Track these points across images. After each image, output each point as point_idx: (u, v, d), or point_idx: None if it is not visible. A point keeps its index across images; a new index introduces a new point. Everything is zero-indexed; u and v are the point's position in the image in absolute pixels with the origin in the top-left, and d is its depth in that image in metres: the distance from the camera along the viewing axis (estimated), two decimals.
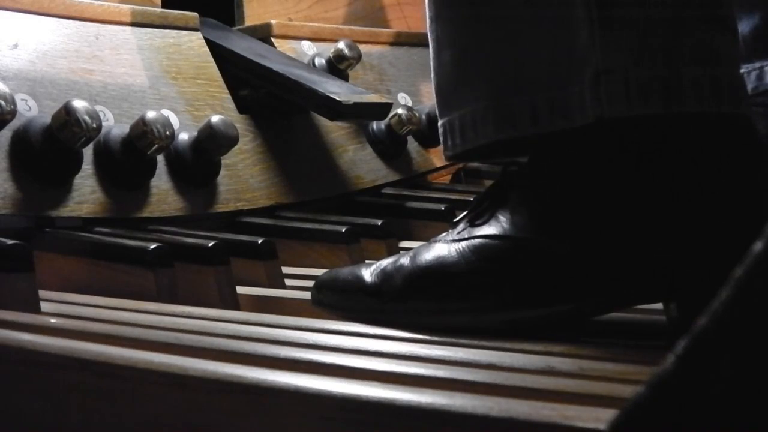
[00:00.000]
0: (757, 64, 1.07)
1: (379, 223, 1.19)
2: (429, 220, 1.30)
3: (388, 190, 1.42)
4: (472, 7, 0.72)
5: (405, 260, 0.72)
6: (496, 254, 0.68)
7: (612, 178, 0.65)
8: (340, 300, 0.76)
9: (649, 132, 0.65)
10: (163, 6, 1.41)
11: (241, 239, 1.04)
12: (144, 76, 1.19)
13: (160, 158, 1.12)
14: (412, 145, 1.50)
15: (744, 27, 1.06)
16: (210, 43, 1.31)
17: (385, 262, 0.74)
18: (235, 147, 1.17)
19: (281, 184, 1.27)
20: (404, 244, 1.22)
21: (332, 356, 0.59)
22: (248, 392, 0.52)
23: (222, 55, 1.31)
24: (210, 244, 0.94)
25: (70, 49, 1.14)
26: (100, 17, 1.20)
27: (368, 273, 0.74)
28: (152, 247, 0.91)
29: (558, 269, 0.66)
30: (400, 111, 1.42)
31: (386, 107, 1.31)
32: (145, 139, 1.05)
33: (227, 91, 1.28)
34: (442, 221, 1.24)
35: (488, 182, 1.50)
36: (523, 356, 0.60)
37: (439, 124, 0.75)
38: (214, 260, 0.93)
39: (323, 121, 1.36)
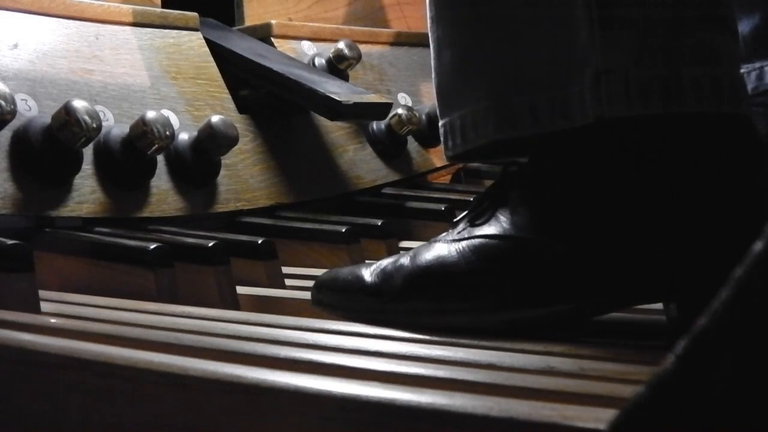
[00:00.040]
0: (757, 64, 1.07)
1: (379, 223, 1.19)
2: (429, 220, 1.30)
3: (388, 190, 1.42)
4: (473, 7, 0.72)
5: (405, 260, 0.72)
6: (496, 254, 0.68)
7: (612, 178, 0.65)
8: (340, 300, 0.76)
9: (649, 132, 0.65)
10: (163, 6, 1.41)
11: (241, 239, 1.04)
12: (144, 76, 1.20)
13: (160, 158, 1.12)
14: (412, 145, 1.50)
15: (744, 27, 1.06)
16: (210, 43, 1.31)
17: (385, 262, 0.74)
18: (235, 147, 1.17)
19: (281, 184, 1.27)
20: (404, 244, 1.21)
21: (332, 356, 0.59)
22: (248, 392, 0.52)
23: (222, 55, 1.31)
24: (210, 244, 0.94)
25: (70, 49, 1.14)
26: (100, 17, 1.20)
27: (368, 273, 0.74)
28: (152, 247, 0.91)
29: (558, 269, 0.66)
30: (400, 111, 1.42)
31: (386, 107, 1.31)
32: (145, 139, 1.05)
33: (227, 91, 1.28)
34: (442, 221, 1.24)
35: (488, 182, 1.50)
36: (523, 356, 0.60)
37: (440, 124, 0.75)
38: (214, 260, 0.93)
39: (323, 121, 1.36)
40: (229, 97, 1.28)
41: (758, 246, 0.34)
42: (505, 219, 0.69)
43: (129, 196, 1.08)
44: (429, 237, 0.77)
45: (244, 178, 1.22)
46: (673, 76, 0.64)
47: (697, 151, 0.64)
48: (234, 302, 0.92)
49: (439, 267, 0.70)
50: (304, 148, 1.33)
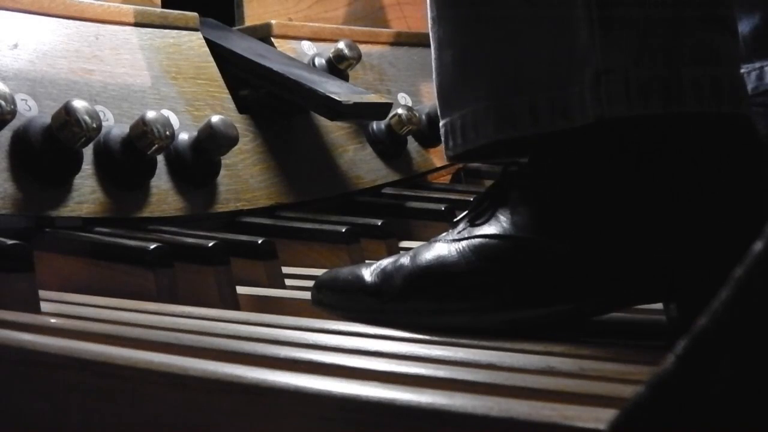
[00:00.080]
0: (757, 64, 1.07)
1: (379, 223, 1.19)
2: (429, 220, 1.30)
3: (388, 190, 1.42)
4: (473, 7, 0.72)
5: (405, 260, 0.72)
6: (496, 254, 0.68)
7: (612, 178, 0.65)
8: (340, 300, 0.76)
9: (649, 132, 0.65)
10: (163, 6, 1.41)
11: (241, 239, 1.04)
12: (144, 76, 1.20)
13: (160, 158, 1.12)
14: (412, 145, 1.50)
15: (744, 27, 1.06)
16: (210, 43, 1.31)
17: (385, 262, 0.74)
18: (235, 147, 1.17)
19: (281, 184, 1.27)
20: (404, 244, 1.22)
21: (332, 356, 0.59)
22: (248, 392, 0.52)
23: (222, 55, 1.31)
24: (210, 244, 0.94)
25: (70, 49, 1.14)
26: (100, 17, 1.20)
27: (368, 273, 0.74)
28: (152, 247, 0.91)
29: (558, 269, 0.66)
30: (400, 111, 1.42)
31: (386, 107, 1.31)
32: (145, 139, 1.05)
33: (227, 91, 1.28)
34: (442, 221, 1.24)
35: (488, 182, 1.50)
36: (523, 356, 0.60)
37: (441, 124, 0.75)
38: (214, 260, 0.93)
39: (323, 121, 1.36)
40: (229, 97, 1.28)
41: (758, 246, 0.34)
42: (505, 219, 0.69)
43: (129, 196, 1.08)
44: (429, 237, 0.77)
45: (244, 178, 1.22)
46: (673, 76, 0.64)
47: (697, 151, 0.64)
48: (234, 302, 0.92)
49: (439, 267, 0.70)
50: (304, 148, 1.33)
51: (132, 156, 1.07)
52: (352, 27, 1.64)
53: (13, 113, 0.98)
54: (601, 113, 0.65)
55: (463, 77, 0.73)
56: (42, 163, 1.00)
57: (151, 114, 1.06)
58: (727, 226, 0.63)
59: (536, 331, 0.66)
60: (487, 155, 0.75)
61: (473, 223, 0.71)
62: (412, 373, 0.55)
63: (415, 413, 0.47)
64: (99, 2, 1.22)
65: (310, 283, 0.80)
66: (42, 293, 0.82)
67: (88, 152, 1.05)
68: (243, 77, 1.30)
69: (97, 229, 1.03)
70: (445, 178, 1.57)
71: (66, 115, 0.98)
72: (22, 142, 0.99)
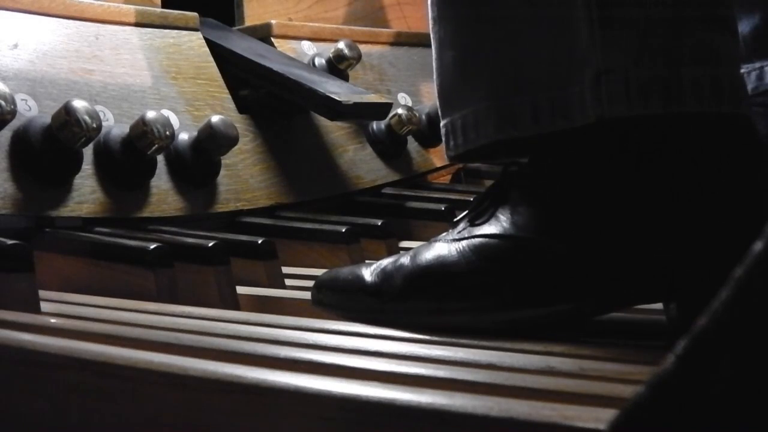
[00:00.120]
0: (757, 64, 1.06)
1: (379, 223, 1.19)
2: (429, 220, 1.30)
3: (388, 190, 1.42)
4: (473, 7, 0.72)
5: (405, 260, 0.72)
6: (496, 254, 0.68)
7: (612, 178, 0.65)
8: (341, 300, 0.76)
9: (650, 132, 0.65)
10: (163, 6, 1.41)
11: (241, 239, 1.04)
12: (144, 76, 1.20)
13: (160, 158, 1.12)
14: (412, 145, 1.50)
15: (744, 27, 1.06)
16: (210, 43, 1.31)
17: (386, 262, 0.74)
18: (235, 147, 1.17)
19: (281, 184, 1.27)
20: (404, 244, 1.22)
21: (332, 356, 0.59)
22: (248, 392, 0.52)
23: (222, 55, 1.31)
24: (210, 244, 0.94)
25: (70, 49, 1.14)
26: (100, 17, 1.20)
27: (368, 273, 0.74)
28: (152, 247, 0.91)
29: (558, 269, 0.66)
30: (400, 111, 1.42)
31: (386, 107, 1.31)
32: (145, 139, 1.05)
33: (227, 91, 1.28)
34: (442, 221, 1.24)
35: (488, 182, 1.50)
36: (523, 356, 0.60)
37: (442, 124, 0.75)
38: (214, 260, 0.93)
39: (323, 121, 1.36)
40: (229, 97, 1.28)
41: (758, 246, 0.34)
42: (505, 219, 0.69)
43: (129, 196, 1.08)
44: (429, 237, 0.77)
45: (244, 178, 1.22)
46: (673, 76, 0.64)
47: (697, 151, 0.64)
48: (234, 302, 0.92)
49: (439, 267, 0.70)
50: (304, 148, 1.33)
51: (132, 156, 1.07)
52: (352, 27, 1.64)
53: (13, 113, 0.98)
54: (601, 113, 0.65)
55: (464, 77, 0.73)
56: (42, 163, 1.00)
57: (151, 114, 1.06)
58: (727, 226, 0.63)
59: (536, 331, 0.66)
60: (487, 155, 0.75)
61: (473, 222, 0.71)
62: (412, 373, 0.55)
63: (415, 413, 0.47)
64: (99, 2, 1.22)
65: (310, 283, 0.80)
66: (42, 293, 0.82)
67: (88, 152, 1.05)
68: (243, 77, 1.30)
69: (97, 229, 1.03)
70: (445, 178, 1.57)
71: (66, 115, 0.98)
72: (22, 142, 0.99)
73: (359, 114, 1.27)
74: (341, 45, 1.45)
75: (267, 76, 1.27)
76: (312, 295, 0.79)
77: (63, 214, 1.01)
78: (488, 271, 0.68)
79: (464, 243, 0.70)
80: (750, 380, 0.33)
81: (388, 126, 1.43)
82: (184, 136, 1.14)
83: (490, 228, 0.69)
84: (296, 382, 0.52)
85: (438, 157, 1.51)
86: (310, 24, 1.56)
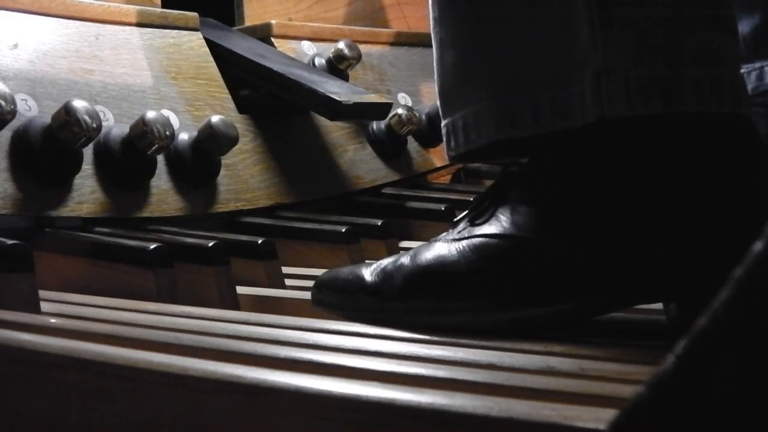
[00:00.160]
0: (757, 64, 1.06)
1: (379, 223, 1.19)
2: (429, 220, 1.30)
3: (388, 190, 1.42)
4: (474, 7, 0.72)
5: (405, 259, 0.72)
6: (496, 253, 0.68)
7: (612, 178, 0.65)
8: (341, 300, 0.76)
9: (650, 132, 0.65)
10: (163, 6, 1.41)
11: (241, 239, 1.04)
12: (144, 76, 1.20)
13: (160, 158, 1.12)
14: (412, 145, 1.50)
15: (744, 27, 1.06)
16: (210, 43, 1.31)
17: (386, 262, 0.74)
18: (235, 147, 1.17)
19: (281, 184, 1.27)
20: (404, 244, 1.21)
21: (332, 356, 0.59)
22: (248, 392, 0.52)
23: (222, 55, 1.31)
24: (210, 244, 0.94)
25: (70, 49, 1.14)
26: (100, 17, 1.20)
27: (368, 272, 0.74)
28: (152, 247, 0.91)
29: (558, 269, 0.66)
30: (400, 111, 1.42)
31: (386, 107, 1.31)
32: (145, 139, 1.05)
33: (227, 91, 1.28)
34: (442, 221, 1.24)
35: (488, 182, 1.50)
36: (523, 356, 0.60)
37: (442, 124, 0.75)
38: (214, 260, 0.93)
39: (323, 121, 1.36)
40: (229, 97, 1.28)
41: (758, 246, 0.34)
42: (505, 218, 0.69)
43: (129, 196, 1.08)
44: (429, 237, 0.77)
45: (244, 178, 1.22)
46: (673, 76, 0.64)
47: (697, 151, 0.64)
48: (234, 302, 0.92)
49: (440, 266, 0.70)
50: (304, 148, 1.33)
51: (132, 156, 1.07)
52: (352, 27, 1.64)
53: (13, 113, 0.98)
54: (601, 113, 0.65)
55: (465, 77, 0.73)
56: (42, 163, 1.00)
57: (151, 114, 1.06)
58: (727, 226, 0.63)
59: (536, 331, 0.66)
60: (488, 155, 0.75)
61: (473, 222, 0.71)
62: (412, 373, 0.55)
63: (415, 413, 0.47)
64: (99, 2, 1.22)
65: (310, 283, 0.80)
66: (42, 293, 0.82)
67: (88, 152, 1.05)
68: (243, 77, 1.30)
69: (97, 229, 1.03)
70: (445, 178, 1.57)
71: (66, 115, 0.98)
72: (22, 142, 0.99)
73: (359, 114, 1.27)
74: (341, 45, 1.45)
75: (267, 76, 1.27)
76: (312, 295, 0.79)
77: (63, 214, 1.01)
78: (488, 270, 0.68)
79: (464, 243, 0.70)
80: (750, 380, 0.33)
81: (388, 126, 1.43)
82: (184, 136, 1.14)
83: (490, 228, 0.69)
84: (296, 382, 0.52)
85: (438, 157, 1.51)
86: (310, 24, 1.56)
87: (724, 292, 0.34)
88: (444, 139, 0.75)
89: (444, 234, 0.73)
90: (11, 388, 0.63)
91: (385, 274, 0.73)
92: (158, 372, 0.56)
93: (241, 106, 1.29)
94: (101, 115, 1.04)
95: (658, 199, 0.64)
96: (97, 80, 1.14)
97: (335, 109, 1.22)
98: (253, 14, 1.59)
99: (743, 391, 0.33)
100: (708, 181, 0.63)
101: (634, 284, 0.65)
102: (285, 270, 1.04)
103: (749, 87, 1.02)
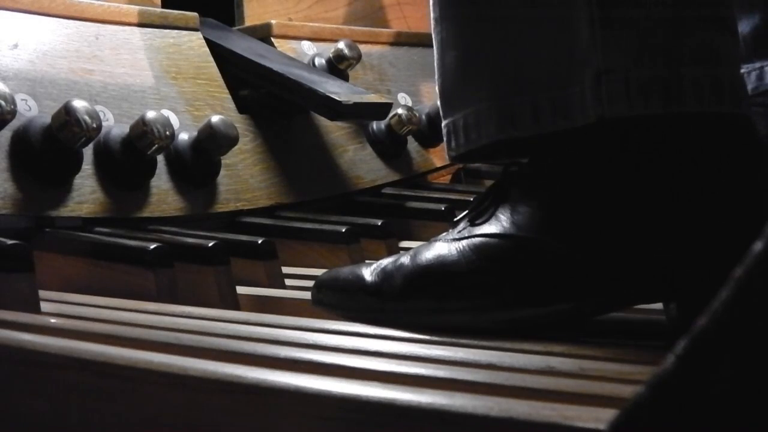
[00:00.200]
0: (757, 64, 1.06)
1: (379, 223, 1.19)
2: (429, 220, 1.30)
3: (388, 190, 1.42)
4: (475, 7, 0.72)
5: (405, 259, 0.72)
6: (496, 253, 0.68)
7: (612, 178, 0.65)
8: (341, 299, 0.76)
9: (650, 132, 0.65)
10: (163, 6, 1.41)
11: (241, 239, 1.04)
12: (144, 76, 1.20)
13: (160, 158, 1.12)
14: (412, 145, 1.50)
15: (744, 27, 1.06)
16: (210, 43, 1.31)
17: (386, 262, 0.74)
18: (235, 147, 1.17)
19: (281, 184, 1.27)
20: (404, 244, 1.21)
21: (332, 356, 0.59)
22: (248, 392, 0.52)
23: (222, 55, 1.31)
24: (210, 244, 0.94)
25: (70, 49, 1.14)
26: (100, 17, 1.20)
27: (368, 272, 0.74)
28: (152, 247, 0.91)
29: (558, 269, 0.66)
30: (400, 111, 1.42)
31: (386, 107, 1.31)
32: (145, 139, 1.05)
33: (227, 91, 1.28)
34: (442, 221, 1.24)
35: (488, 182, 1.50)
36: (523, 356, 0.60)
37: (443, 124, 0.75)
38: (214, 260, 0.93)
39: (323, 121, 1.36)
40: (229, 97, 1.28)
41: (758, 246, 0.34)
42: (505, 218, 0.69)
43: (129, 196, 1.08)
44: (429, 237, 0.77)
45: (244, 178, 1.22)
46: (673, 76, 0.64)
47: (697, 151, 0.64)
48: (234, 302, 0.92)
49: (440, 266, 0.70)
50: (304, 148, 1.33)
51: (132, 156, 1.07)
52: (352, 27, 1.64)
53: (13, 113, 0.98)
54: (601, 113, 0.65)
55: (465, 77, 0.73)
56: (42, 163, 1.00)
57: (151, 114, 1.06)
58: (727, 226, 0.63)
59: (536, 331, 0.66)
60: (488, 155, 0.75)
61: (473, 222, 0.71)
62: (412, 373, 0.55)
63: (415, 413, 0.47)
64: (99, 2, 1.22)
65: (310, 283, 0.80)
66: (42, 293, 0.82)
67: (88, 152, 1.05)
68: (243, 77, 1.30)
69: (97, 229, 1.03)
70: (445, 178, 1.57)
71: (66, 115, 0.98)
72: (22, 142, 0.99)
73: (359, 114, 1.27)
74: (341, 45, 1.45)
75: (267, 76, 1.27)
76: (312, 295, 0.79)
77: (63, 214, 1.01)
78: (488, 270, 0.68)
79: (464, 242, 0.70)
80: (750, 380, 0.33)
81: (388, 126, 1.43)
82: (184, 136, 1.14)
83: (490, 228, 0.69)
84: (296, 382, 0.52)
85: (438, 157, 1.51)
86: (310, 24, 1.56)
87: (724, 292, 0.34)
88: (444, 139, 0.75)
89: (444, 234, 0.73)
90: (11, 388, 0.63)
91: (385, 274, 0.73)
92: (158, 372, 0.56)
93: (241, 106, 1.29)
94: (101, 115, 1.04)
95: (658, 199, 0.64)
96: (97, 80, 1.14)
97: (335, 109, 1.22)
98: (253, 14, 1.59)
99: (743, 391, 0.33)
100: (708, 181, 0.63)
101: (634, 284, 0.65)
102: (285, 270, 1.04)
103: (749, 87, 1.02)
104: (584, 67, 0.66)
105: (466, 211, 0.73)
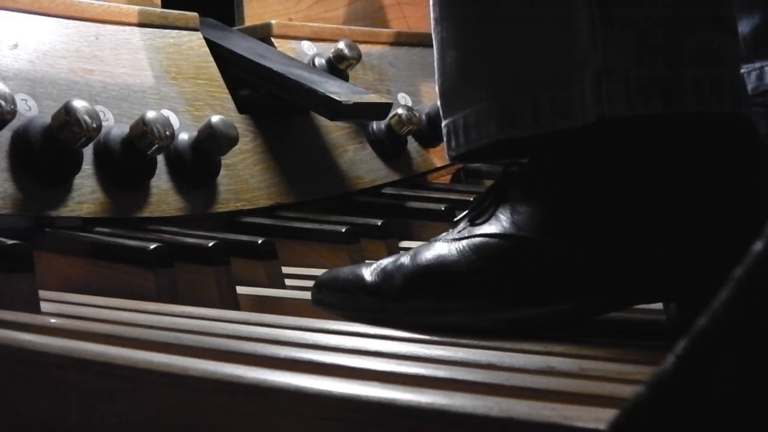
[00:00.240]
0: (757, 64, 1.06)
1: (379, 223, 1.19)
2: (429, 220, 1.30)
3: (388, 190, 1.42)
4: (475, 7, 0.72)
5: (405, 259, 0.72)
6: (496, 253, 0.68)
7: (612, 178, 0.65)
8: (341, 299, 0.76)
9: (650, 132, 0.65)
10: (163, 6, 1.41)
11: (241, 239, 1.04)
12: (144, 76, 1.20)
13: (160, 158, 1.12)
14: (412, 145, 1.50)
15: (744, 27, 1.06)
16: (210, 43, 1.31)
17: (386, 262, 0.74)
18: (235, 147, 1.17)
19: (281, 184, 1.27)
20: (404, 244, 1.22)
21: (332, 356, 0.59)
22: (248, 392, 0.52)
23: (222, 55, 1.31)
24: (210, 244, 0.94)
25: (70, 49, 1.14)
26: (100, 17, 1.20)
27: (369, 272, 0.74)
28: (152, 247, 0.91)
29: (558, 269, 0.66)
30: (400, 111, 1.42)
31: (386, 107, 1.31)
32: (145, 139, 1.05)
33: (227, 91, 1.28)
34: (442, 221, 1.24)
35: (488, 182, 1.50)
36: (523, 356, 0.60)
37: (443, 124, 0.75)
38: (214, 260, 0.93)
39: (323, 121, 1.36)
40: (229, 97, 1.28)
41: (758, 246, 0.34)
42: (505, 218, 0.69)
43: (129, 196, 1.08)
44: (429, 237, 0.77)
45: (244, 178, 1.22)
46: (673, 76, 0.64)
47: (697, 151, 0.64)
48: (234, 302, 0.92)
49: (440, 266, 0.70)
50: (304, 148, 1.33)
51: (132, 156, 1.07)
52: (352, 27, 1.64)
53: (13, 113, 0.98)
54: (601, 113, 0.65)
55: (465, 77, 0.73)
56: (42, 163, 1.00)
57: (151, 114, 1.06)
58: (727, 226, 0.63)
59: (536, 331, 0.66)
60: (489, 155, 0.75)
61: (473, 222, 0.71)
62: (412, 373, 0.55)
63: (415, 413, 0.47)
64: (99, 2, 1.22)
65: (310, 283, 0.80)
66: (42, 293, 0.82)
67: (88, 152, 1.05)
68: (243, 77, 1.30)
69: (97, 229, 1.03)
70: (445, 178, 1.57)
71: (66, 115, 0.98)
72: (22, 142, 0.99)
73: (359, 114, 1.27)
74: (341, 45, 1.45)
75: (267, 76, 1.27)
76: (312, 295, 0.79)
77: (63, 214, 1.01)
78: (488, 270, 0.68)
79: (464, 242, 0.70)
80: (750, 380, 0.33)
81: (388, 126, 1.43)
82: (184, 136, 1.14)
83: (490, 227, 0.69)
84: (296, 382, 0.52)
85: (438, 157, 1.51)
86: (310, 24, 1.56)
87: (724, 292, 0.34)
88: (444, 139, 0.75)
89: (444, 234, 0.73)
90: (11, 388, 0.63)
91: (385, 274, 0.73)
92: (158, 372, 0.56)
93: (241, 106, 1.29)
94: (101, 115, 1.04)
95: (658, 199, 0.64)
96: (97, 80, 1.14)
97: (335, 109, 1.22)
98: (253, 14, 1.59)
99: (743, 391, 0.33)
100: (708, 181, 0.63)
101: (634, 284, 0.65)
102: (285, 270, 1.04)
103: (749, 87, 1.02)
104: (584, 67, 0.66)
105: (466, 211, 0.73)
